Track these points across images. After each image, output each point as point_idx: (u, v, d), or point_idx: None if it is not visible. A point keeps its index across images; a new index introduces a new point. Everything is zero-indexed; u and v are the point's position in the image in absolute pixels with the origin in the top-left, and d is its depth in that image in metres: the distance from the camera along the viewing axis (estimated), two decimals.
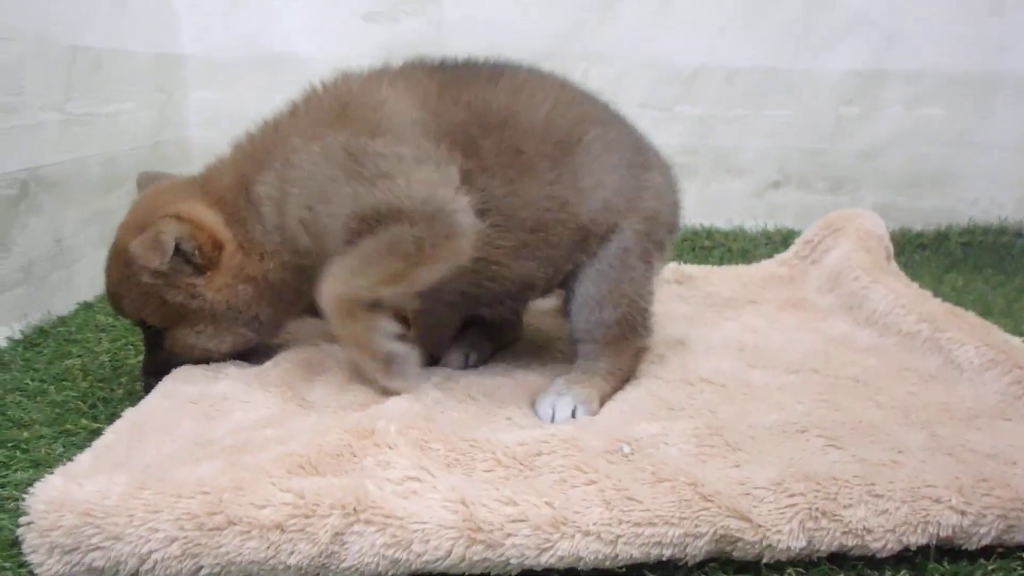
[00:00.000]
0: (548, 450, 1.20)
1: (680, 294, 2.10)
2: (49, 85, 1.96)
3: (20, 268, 1.84)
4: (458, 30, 2.75)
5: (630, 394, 1.51)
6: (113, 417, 1.42)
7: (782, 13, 2.77)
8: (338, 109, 1.44)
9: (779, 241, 2.80)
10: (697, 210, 2.89)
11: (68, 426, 1.43)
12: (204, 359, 1.54)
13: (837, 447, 1.27)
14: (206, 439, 1.27)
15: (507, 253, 1.45)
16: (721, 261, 2.64)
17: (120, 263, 1.47)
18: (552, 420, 1.41)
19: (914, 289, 1.99)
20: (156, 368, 1.52)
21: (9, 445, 1.35)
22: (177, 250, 1.40)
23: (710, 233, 2.84)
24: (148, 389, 1.48)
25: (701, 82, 2.83)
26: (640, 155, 1.57)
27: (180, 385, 1.46)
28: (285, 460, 1.14)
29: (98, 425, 1.42)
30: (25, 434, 1.39)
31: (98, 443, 1.25)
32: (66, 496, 1.06)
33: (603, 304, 1.49)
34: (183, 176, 1.60)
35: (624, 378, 1.54)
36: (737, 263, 2.56)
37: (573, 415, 1.42)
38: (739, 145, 2.90)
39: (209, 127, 2.74)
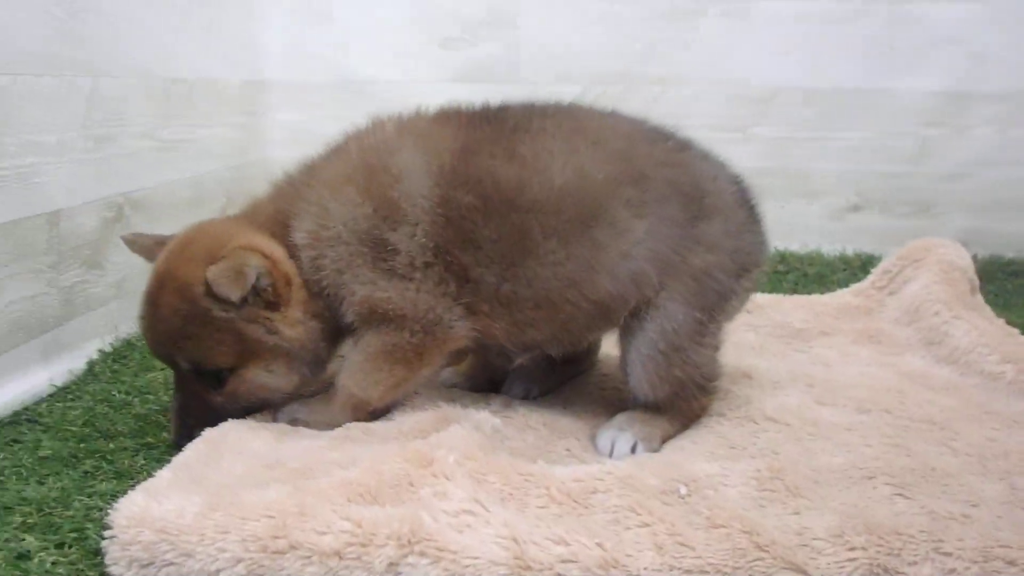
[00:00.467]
0: (603, 488, 1.21)
1: (749, 323, 2.07)
2: (145, 115, 2.05)
3: (114, 284, 1.92)
4: (533, 54, 2.77)
5: (691, 430, 1.50)
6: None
7: (863, 33, 2.71)
8: (364, 171, 1.45)
9: (857, 266, 2.74)
10: (772, 233, 2.84)
11: (149, 439, 1.49)
12: (266, 402, 1.49)
13: (905, 496, 1.24)
14: (275, 460, 1.31)
15: (506, 331, 1.45)
16: (796, 286, 2.59)
17: (180, 299, 1.37)
18: (611, 455, 1.41)
19: (999, 326, 1.92)
20: (202, 419, 1.42)
21: (96, 456, 1.41)
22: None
23: (784, 257, 2.79)
24: (181, 445, 1.37)
25: (777, 103, 2.78)
26: (692, 206, 1.44)
27: None
28: (346, 487, 1.17)
29: None
30: (111, 445, 1.46)
31: (177, 460, 1.30)
32: (146, 513, 1.11)
33: (655, 385, 1.45)
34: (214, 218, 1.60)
35: (688, 424, 1.52)
36: (812, 288, 2.52)
37: (633, 451, 1.41)
38: (816, 167, 2.85)
39: (290, 147, 2.79)
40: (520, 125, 1.46)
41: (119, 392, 1.68)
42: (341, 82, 2.86)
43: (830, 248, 2.88)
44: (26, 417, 1.54)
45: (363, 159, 1.46)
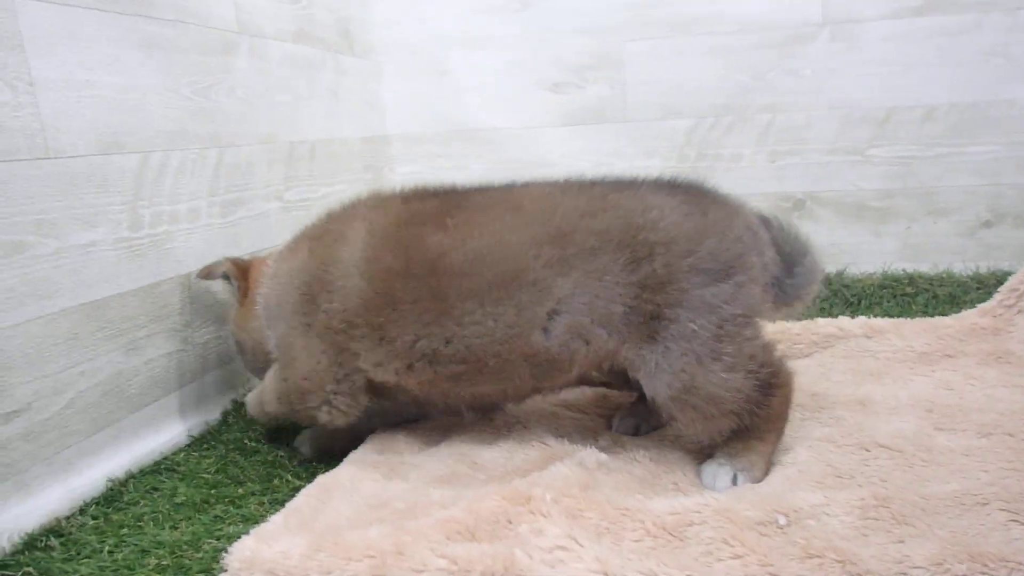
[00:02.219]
0: (699, 520, 1.20)
1: (869, 349, 1.99)
2: (271, 178, 2.19)
3: None
4: (640, 93, 2.79)
5: (800, 456, 1.46)
6: (313, 475, 1.56)
7: (979, 44, 2.59)
8: (320, 233, 1.66)
9: (992, 284, 2.58)
10: (899, 255, 2.74)
11: (275, 482, 1.58)
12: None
13: (1021, 523, 1.17)
14: (381, 501, 1.36)
15: (430, 384, 1.52)
16: (926, 307, 2.47)
17: None
18: (715, 489, 1.39)
19: None
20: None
21: (226, 501, 1.51)
22: None
23: (912, 279, 2.67)
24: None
25: (895, 122, 2.68)
26: (626, 250, 1.40)
27: (367, 453, 1.57)
28: (444, 526, 1.20)
29: (299, 482, 1.56)
30: (240, 491, 1.55)
31: (290, 505, 1.37)
32: (256, 555, 1.18)
33: (704, 423, 1.42)
34: None
35: (780, 427, 1.48)
36: (944, 309, 2.40)
37: (734, 483, 1.39)
38: (943, 184, 2.72)
39: None
40: (458, 200, 1.55)
41: (250, 440, 1.78)
42: (457, 132, 2.96)
43: (963, 267, 2.74)
44: (165, 466, 1.66)
45: (325, 223, 1.66)
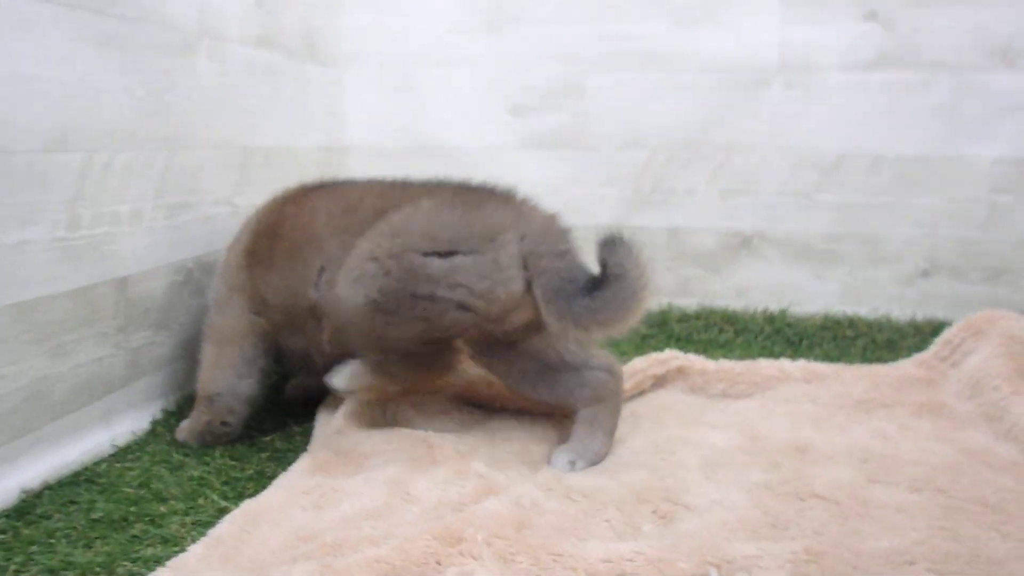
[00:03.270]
0: (631, 570, 1.15)
1: (808, 393, 1.97)
2: (222, 183, 2.10)
3: (180, 344, 1.96)
4: (601, 121, 2.76)
5: (739, 501, 1.42)
6: (240, 496, 1.48)
7: (928, 102, 2.61)
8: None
9: (928, 332, 2.59)
10: (840, 298, 2.74)
11: (200, 501, 1.49)
12: None
13: None
14: (310, 533, 1.29)
15: (276, 330, 1.80)
16: (864, 352, 2.47)
17: None
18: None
19: None
20: None
21: (145, 519, 1.42)
22: None
23: (852, 322, 2.67)
24: None
25: (844, 169, 2.69)
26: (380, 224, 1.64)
27: (299, 476, 1.50)
28: (373, 566, 1.14)
29: (226, 503, 1.48)
30: (161, 508, 1.46)
31: (212, 533, 1.30)
32: None
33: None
34: None
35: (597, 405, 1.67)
36: (882, 354, 2.40)
37: (573, 467, 1.58)
38: (885, 233, 2.73)
39: None
40: (321, 187, 1.87)
41: (176, 454, 1.69)
42: (418, 147, 2.90)
43: (900, 313, 2.75)
44: (85, 477, 1.56)
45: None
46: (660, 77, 2.71)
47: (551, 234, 1.62)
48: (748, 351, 2.48)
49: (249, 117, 2.22)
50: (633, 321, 1.54)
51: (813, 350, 2.51)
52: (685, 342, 2.55)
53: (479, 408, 1.87)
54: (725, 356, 2.32)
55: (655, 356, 2.04)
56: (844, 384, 2.00)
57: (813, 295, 2.76)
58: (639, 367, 2.00)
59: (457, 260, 1.56)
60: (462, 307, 1.56)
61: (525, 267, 1.57)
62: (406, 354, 1.61)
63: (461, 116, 2.86)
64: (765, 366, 2.08)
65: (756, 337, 2.62)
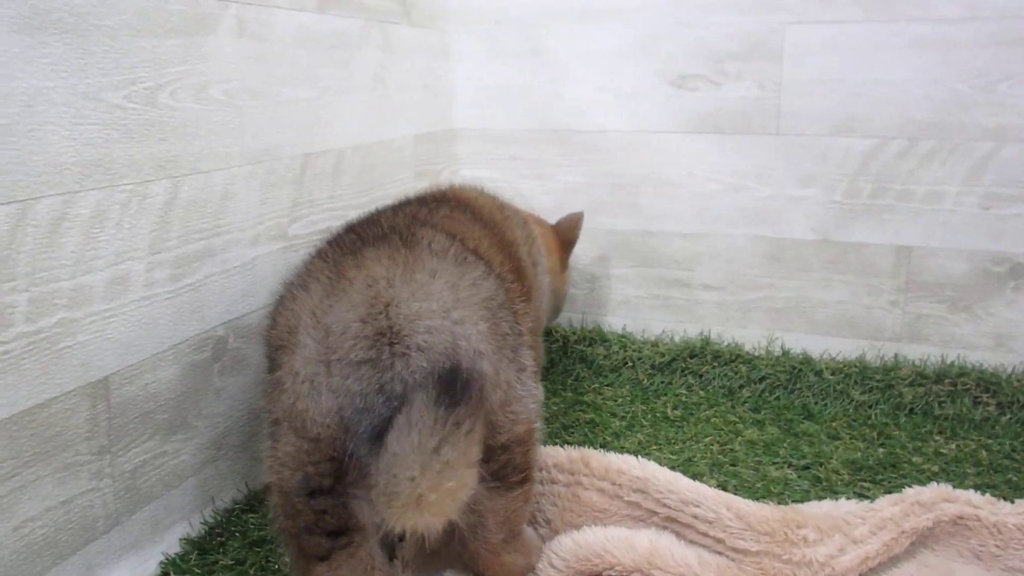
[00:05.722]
0: None
1: None
2: (266, 211, 1.47)
3: (210, 445, 1.35)
4: (803, 96, 1.94)
5: None
6: None
7: None
8: None
9: None
10: None
11: None
12: None
13: None
14: None
15: None
16: None
17: None
18: None
19: None
20: None
21: None
22: None
23: None
24: None
25: None
26: None
27: None
28: None
29: None
30: None
31: None
32: None
33: None
34: None
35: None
36: None
37: None
38: None
39: None
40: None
41: None
42: (549, 131, 2.17)
43: None
44: None
45: None
46: (897, 29, 1.85)
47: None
48: (1019, 439, 1.67)
49: (309, 112, 1.56)
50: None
51: None
52: (920, 418, 1.76)
53: None
54: (983, 443, 1.62)
55: (913, 495, 1.27)
56: None
57: None
58: (887, 515, 1.23)
59: None
60: None
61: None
62: None
63: (606, 89, 2.10)
64: None
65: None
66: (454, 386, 0.86)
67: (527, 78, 2.16)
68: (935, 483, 1.29)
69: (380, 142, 1.84)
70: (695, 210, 2.06)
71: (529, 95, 2.17)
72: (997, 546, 1.21)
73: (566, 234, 1.89)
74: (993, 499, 1.27)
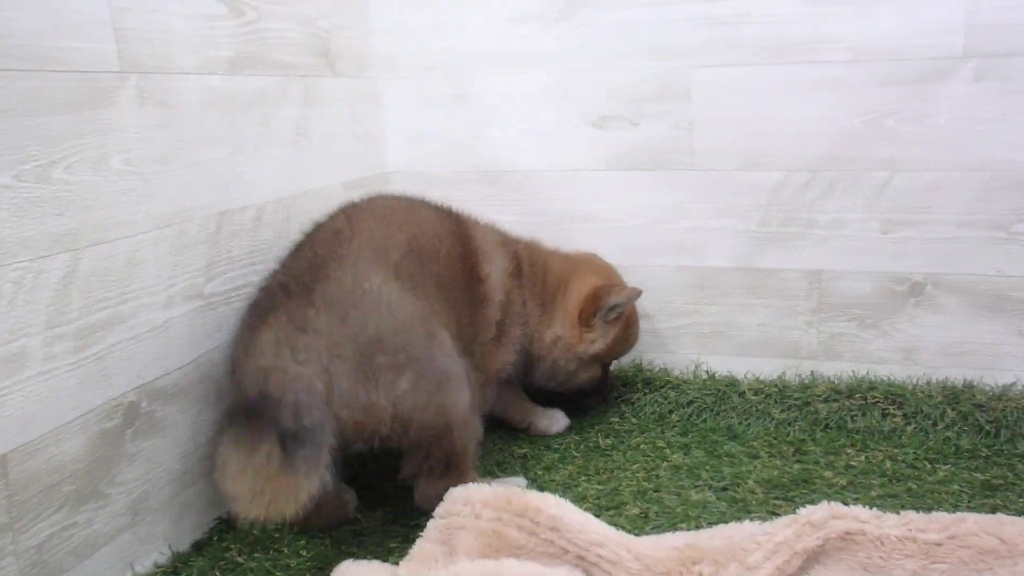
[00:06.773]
0: None
1: None
2: (178, 273, 1.48)
3: (128, 510, 1.34)
4: (714, 134, 1.98)
5: None
6: None
7: None
8: None
9: None
10: None
11: None
12: None
13: None
14: None
15: None
16: None
17: None
18: None
19: None
20: None
21: None
22: None
23: None
24: None
25: None
26: None
27: None
28: None
29: None
30: None
31: None
32: None
33: None
34: None
35: None
36: None
37: None
38: None
39: None
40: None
41: None
42: (479, 172, 2.20)
43: None
44: None
45: None
46: (793, 71, 1.92)
47: None
48: (923, 448, 1.71)
49: (223, 171, 1.56)
50: None
51: (1019, 444, 1.71)
52: (835, 432, 1.79)
53: None
54: (890, 453, 1.70)
55: (804, 516, 1.28)
56: None
57: (1013, 359, 1.93)
58: (781, 538, 1.25)
59: None
60: None
61: None
62: None
63: (531, 132, 2.15)
64: (975, 525, 1.29)
65: (934, 425, 1.82)
66: None
67: (456, 122, 2.19)
68: (826, 502, 1.33)
69: (305, 192, 1.83)
70: (621, 243, 2.11)
71: (458, 138, 2.19)
72: (881, 557, 1.28)
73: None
74: (879, 513, 1.34)
